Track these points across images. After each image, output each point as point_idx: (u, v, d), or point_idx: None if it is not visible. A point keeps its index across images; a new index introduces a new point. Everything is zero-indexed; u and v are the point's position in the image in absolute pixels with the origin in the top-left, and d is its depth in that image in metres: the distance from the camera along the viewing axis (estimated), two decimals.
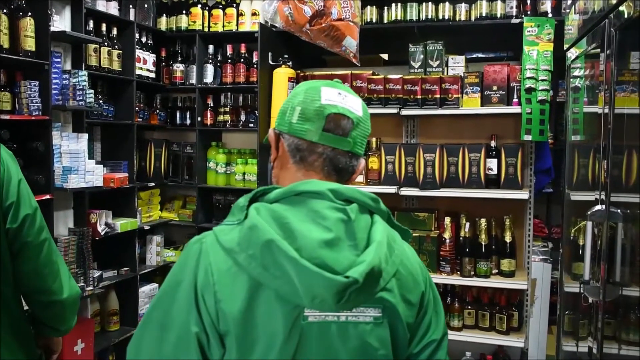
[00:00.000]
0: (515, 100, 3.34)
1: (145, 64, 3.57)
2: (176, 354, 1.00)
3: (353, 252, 1.02)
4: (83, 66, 3.05)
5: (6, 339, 1.60)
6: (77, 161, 2.95)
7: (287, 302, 0.99)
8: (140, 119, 3.59)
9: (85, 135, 3.03)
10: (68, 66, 3.05)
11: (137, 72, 3.49)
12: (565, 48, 3.18)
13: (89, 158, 3.08)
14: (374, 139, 3.60)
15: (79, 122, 3.07)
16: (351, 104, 1.13)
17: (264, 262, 0.98)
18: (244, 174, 3.66)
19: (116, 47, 3.31)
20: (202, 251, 1.04)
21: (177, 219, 3.85)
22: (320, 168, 1.12)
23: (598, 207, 2.28)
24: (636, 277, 2.46)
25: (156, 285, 3.55)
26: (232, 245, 1.02)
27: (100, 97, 3.28)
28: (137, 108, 3.52)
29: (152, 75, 3.65)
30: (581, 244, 3.01)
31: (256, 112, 3.59)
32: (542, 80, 3.26)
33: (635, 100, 3.11)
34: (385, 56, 4.36)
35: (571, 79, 3.51)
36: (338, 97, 1.12)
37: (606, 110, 2.62)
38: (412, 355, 1.13)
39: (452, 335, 3.40)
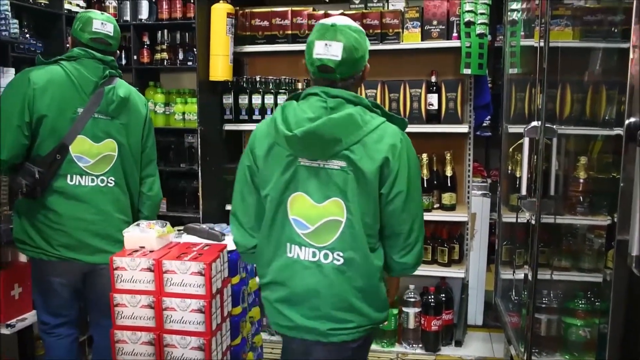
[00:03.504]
0: (455, 34, 3.37)
1: None
2: (238, 182, 1.92)
3: None
4: None
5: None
6: None
7: (285, 152, 1.77)
8: None
9: (12, 70, 2.85)
10: None
11: (67, 6, 3.30)
12: None
13: None
14: None
15: (3, 56, 2.89)
16: (334, 51, 1.72)
17: (275, 130, 1.76)
18: (183, 113, 3.57)
19: None
20: (258, 125, 1.92)
21: None
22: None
23: (534, 123, 2.34)
24: (568, 193, 2.55)
25: None
26: (266, 121, 1.86)
27: (26, 31, 3.09)
28: (68, 45, 3.35)
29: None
30: (518, 175, 3.10)
31: (195, 50, 3.49)
32: (481, 13, 3.29)
33: (569, 34, 3.18)
34: None
35: (509, 12, 3.56)
36: (324, 50, 1.73)
37: (542, 44, 2.67)
38: (388, 197, 1.77)
39: None
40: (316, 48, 1.73)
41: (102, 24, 2.44)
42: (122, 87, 2.48)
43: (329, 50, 1.71)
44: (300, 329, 1.83)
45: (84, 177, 2.39)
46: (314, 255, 1.79)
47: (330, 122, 1.69)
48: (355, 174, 1.73)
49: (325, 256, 1.78)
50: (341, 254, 1.77)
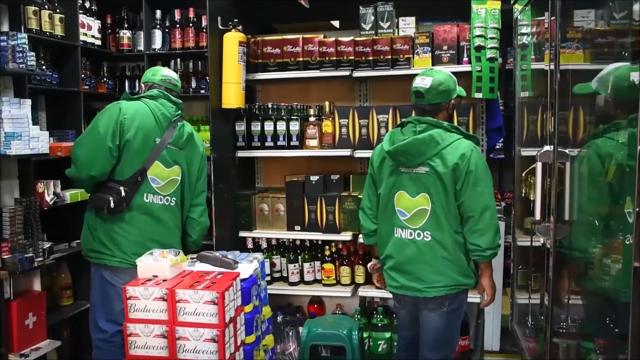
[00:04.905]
0: (465, 59, 3.38)
1: (90, 30, 3.45)
2: (365, 186, 2.79)
3: None
4: (22, 29, 2.93)
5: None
6: (21, 127, 2.83)
7: (390, 162, 2.58)
8: (87, 87, 3.48)
9: (28, 101, 2.90)
10: (5, 28, 2.92)
11: (82, 38, 3.38)
12: (512, 2, 3.23)
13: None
14: (327, 103, 3.59)
15: (20, 87, 2.94)
16: (425, 82, 2.55)
17: (387, 147, 2.56)
18: None
19: (58, 10, 3.19)
20: (376, 146, 2.77)
21: None
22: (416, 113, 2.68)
23: (547, 147, 2.32)
24: (583, 216, 2.52)
25: None
26: (381, 143, 2.67)
27: (42, 62, 3.16)
28: (83, 75, 3.41)
29: (98, 42, 3.54)
30: (532, 198, 3.07)
31: (207, 78, 3.53)
32: (491, 38, 3.30)
33: (580, 57, 3.17)
34: (336, 23, 4.35)
35: (518, 36, 3.56)
36: (419, 80, 2.58)
37: (552, 67, 2.66)
38: (460, 191, 2.49)
39: None
40: (415, 82, 2.58)
41: (168, 70, 3.00)
42: (187, 125, 3.02)
43: (422, 82, 2.56)
44: (405, 288, 2.62)
45: (155, 196, 2.84)
46: (411, 234, 2.57)
47: (415, 141, 2.49)
48: (435, 176, 2.50)
49: (418, 235, 2.56)
50: (429, 233, 2.54)
